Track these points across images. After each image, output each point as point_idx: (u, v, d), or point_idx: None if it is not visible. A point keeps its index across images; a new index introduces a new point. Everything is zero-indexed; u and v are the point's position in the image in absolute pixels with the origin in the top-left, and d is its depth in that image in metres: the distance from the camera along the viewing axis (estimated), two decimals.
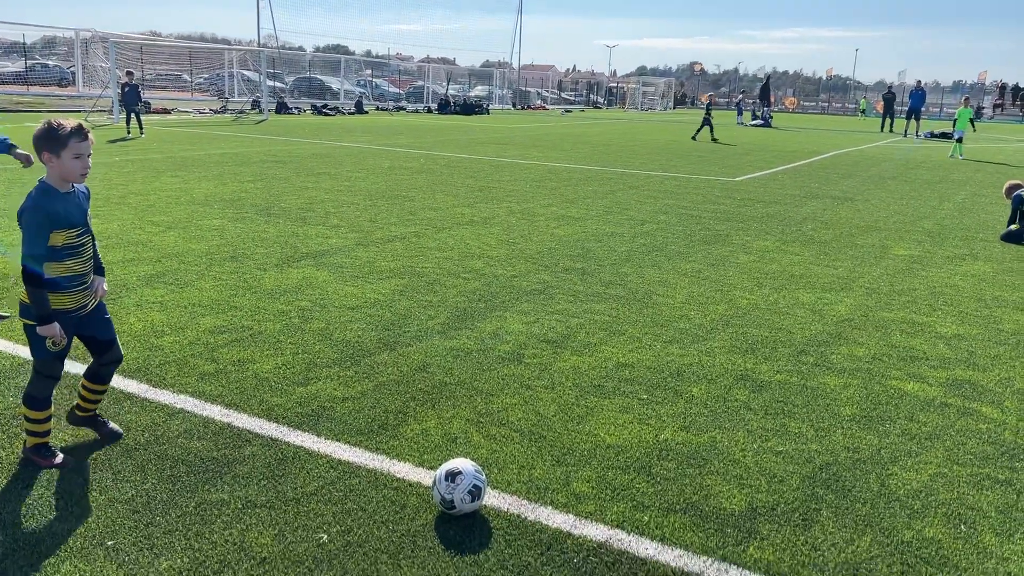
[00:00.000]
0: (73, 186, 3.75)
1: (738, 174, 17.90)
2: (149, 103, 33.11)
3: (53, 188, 3.65)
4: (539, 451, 4.23)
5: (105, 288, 4.03)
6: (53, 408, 3.98)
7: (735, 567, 3.28)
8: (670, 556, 3.35)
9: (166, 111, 34.41)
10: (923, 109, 39.28)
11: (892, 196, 15.00)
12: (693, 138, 29.61)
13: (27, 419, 3.92)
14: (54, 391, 3.94)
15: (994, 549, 3.43)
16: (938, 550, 3.42)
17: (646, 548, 3.40)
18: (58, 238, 3.66)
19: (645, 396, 4.99)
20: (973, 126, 26.10)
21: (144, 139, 20.98)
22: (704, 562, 3.30)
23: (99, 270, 4.00)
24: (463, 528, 3.50)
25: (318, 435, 4.31)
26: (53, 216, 3.62)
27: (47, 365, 3.83)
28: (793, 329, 6.45)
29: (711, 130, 29.78)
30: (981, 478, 4.04)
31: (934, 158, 24.38)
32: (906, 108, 38.60)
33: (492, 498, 3.74)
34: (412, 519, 3.56)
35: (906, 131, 37.51)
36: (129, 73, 24.07)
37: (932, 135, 36.21)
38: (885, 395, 5.11)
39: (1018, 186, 11.16)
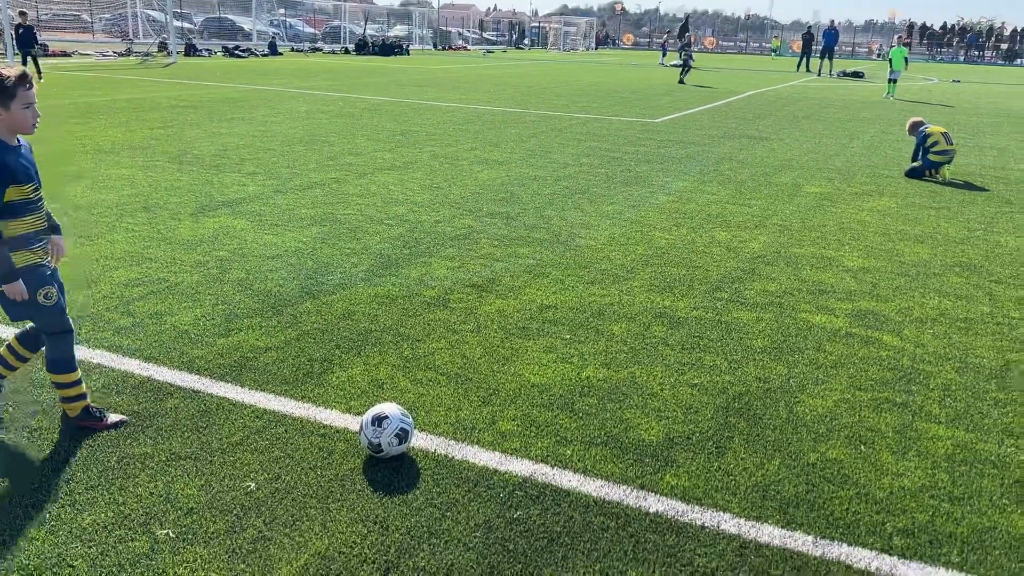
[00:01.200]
0: (18, 139, 3.55)
1: (658, 115, 18.08)
2: (46, 45, 31.26)
3: (3, 142, 3.44)
4: (465, 393, 4.30)
5: (64, 248, 3.84)
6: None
7: (652, 494, 3.44)
8: (592, 487, 3.49)
9: (65, 54, 32.54)
10: (836, 48, 40.13)
11: (805, 135, 15.41)
12: (681, 81, 29.24)
13: (59, 386, 3.77)
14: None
15: (890, 467, 3.68)
16: (840, 470, 3.65)
17: (569, 480, 3.53)
18: (15, 193, 3.46)
19: (568, 336, 5.10)
20: (906, 64, 26.59)
21: (43, 84, 19.87)
22: (624, 491, 3.46)
23: (55, 228, 3.79)
24: (392, 470, 3.57)
25: (242, 385, 4.29)
26: (11, 170, 3.41)
27: (53, 319, 3.66)
28: (709, 267, 6.65)
29: (685, 72, 29.59)
30: (880, 402, 4.31)
31: (846, 97, 25.05)
32: (821, 47, 39.39)
33: (420, 440, 3.81)
34: (340, 464, 3.61)
35: (820, 70, 38.35)
36: (23, 13, 22.65)
37: (844, 74, 37.12)
38: (795, 327, 5.35)
39: (920, 123, 11.58)
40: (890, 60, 25.23)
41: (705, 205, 9.00)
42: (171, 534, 3.10)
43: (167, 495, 3.33)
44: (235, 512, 3.24)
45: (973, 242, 7.66)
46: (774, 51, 66.35)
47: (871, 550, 3.10)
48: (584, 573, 2.95)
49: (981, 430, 4.02)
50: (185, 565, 2.94)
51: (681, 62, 30.13)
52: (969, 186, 10.58)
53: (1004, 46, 61.75)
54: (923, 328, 5.38)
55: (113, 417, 3.86)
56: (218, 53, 38.45)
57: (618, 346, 4.97)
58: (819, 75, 37.43)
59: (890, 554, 3.08)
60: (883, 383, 4.54)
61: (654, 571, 2.97)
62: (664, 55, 45.26)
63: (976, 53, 59.03)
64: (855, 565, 3.02)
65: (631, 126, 15.93)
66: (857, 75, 36.10)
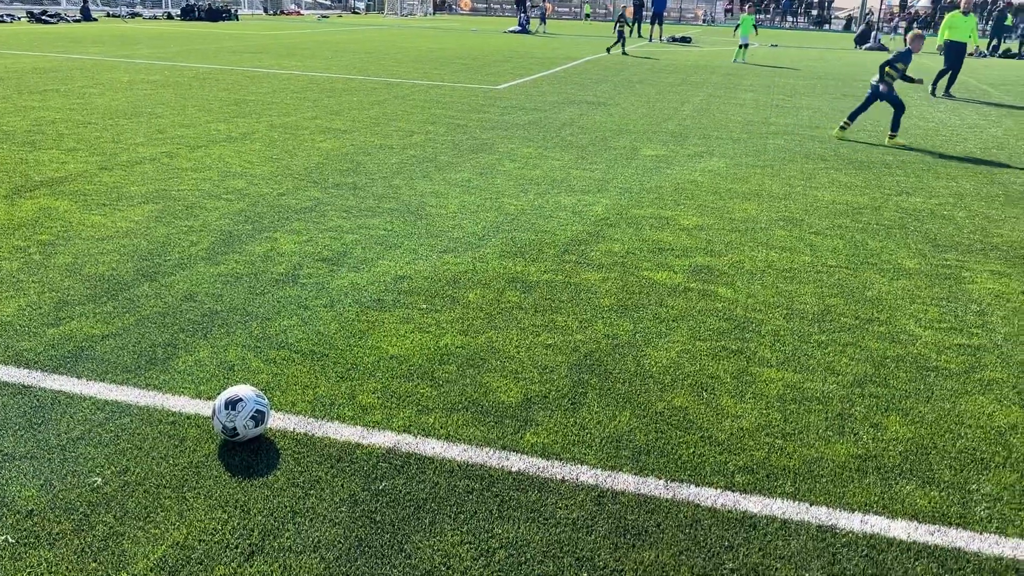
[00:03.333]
0: None
1: (500, 81, 18.20)
2: None
3: None
4: (322, 369, 4.24)
5: None
6: None
7: (514, 454, 3.55)
8: (455, 451, 3.55)
9: None
10: (664, 14, 41.66)
11: (640, 100, 15.99)
12: (624, 52, 28.95)
13: None
14: None
15: (730, 410, 3.97)
16: (685, 416, 3.89)
17: (432, 447, 3.58)
18: None
19: (424, 306, 5.12)
20: (756, 31, 27.80)
21: None
22: (486, 453, 3.54)
23: None
24: (250, 453, 3.48)
25: (78, 377, 4.03)
26: None
27: None
28: (557, 231, 6.83)
29: (623, 44, 29.40)
30: (718, 350, 4.62)
31: (676, 62, 26.14)
32: (651, 13, 40.77)
33: (277, 420, 3.73)
34: (194, 451, 3.48)
35: (651, 36, 39.75)
36: None
37: (674, 39, 38.65)
38: (638, 285, 5.61)
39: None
40: (736, 27, 26.73)
41: (550, 171, 9.20)
42: (10, 540, 2.90)
43: (2, 499, 3.10)
44: (81, 510, 3.07)
45: (794, 197, 8.27)
46: (587, 16, 67.13)
47: (716, 488, 3.34)
48: (452, 536, 3.02)
49: (807, 370, 4.39)
50: (29, 571, 2.76)
51: (519, 27, 30.12)
52: (789, 145, 11.37)
53: (814, 12, 66.32)
54: (753, 280, 5.78)
55: None
56: (22, 19, 35.12)
57: (474, 313, 5.04)
58: (650, 40, 38.79)
59: (733, 491, 3.33)
60: (720, 333, 4.86)
61: (519, 527, 3.08)
62: (525, 21, 44.87)
63: (791, 19, 63.04)
64: (703, 503, 3.25)
65: (474, 93, 15.96)
66: (685, 40, 37.68)
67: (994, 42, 35.42)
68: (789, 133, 12.39)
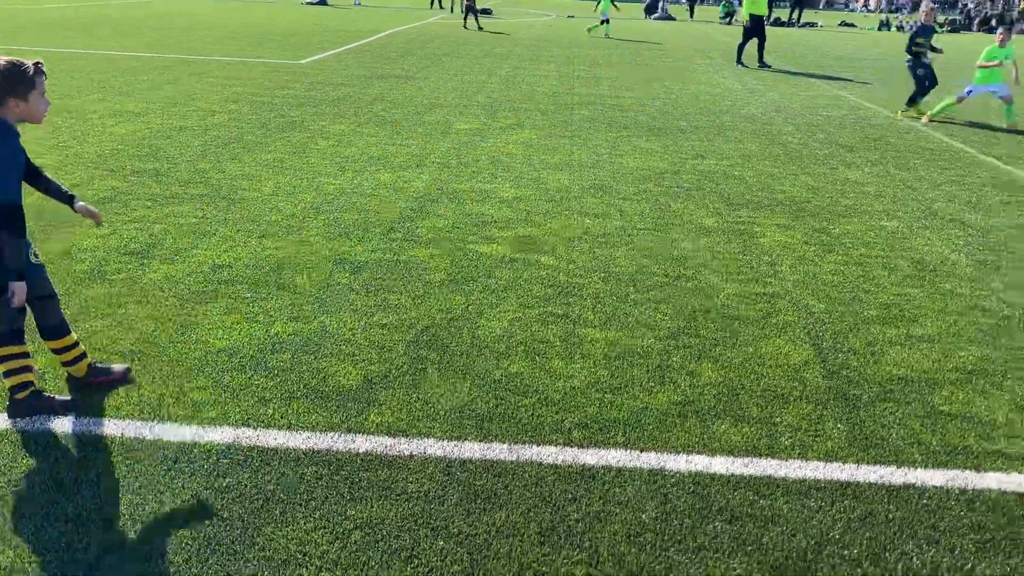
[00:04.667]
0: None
1: (302, 56, 17.64)
2: None
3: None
4: (144, 369, 4.04)
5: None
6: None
7: (360, 435, 3.57)
8: (299, 440, 3.52)
9: None
10: None
11: (448, 73, 16.07)
12: (479, 28, 27.73)
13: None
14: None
15: (562, 371, 4.19)
16: (522, 381, 4.07)
17: (275, 438, 3.52)
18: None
19: (249, 295, 4.97)
20: (616, 7, 28.22)
21: None
22: (331, 438, 3.54)
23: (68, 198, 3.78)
24: (77, 464, 3.28)
25: None
26: (21, 156, 3.33)
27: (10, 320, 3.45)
28: (380, 209, 6.81)
29: (475, 18, 28.17)
30: (546, 316, 4.83)
31: (479, 34, 26.41)
32: None
33: (100, 426, 3.53)
34: (11, 468, 3.23)
35: (452, 7, 39.83)
36: None
37: (472, 10, 38.89)
38: (466, 259, 5.73)
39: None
40: (598, 2, 27.47)
41: (365, 148, 9.10)
42: None
43: None
44: None
45: (602, 166, 8.69)
46: None
47: (556, 446, 3.54)
48: (305, 523, 3.01)
49: (627, 328, 4.70)
50: None
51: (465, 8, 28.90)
52: (593, 115, 11.89)
53: None
54: (572, 246, 6.07)
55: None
56: None
57: (304, 298, 4.95)
58: (452, 12, 38.87)
59: (571, 446, 3.54)
60: (546, 299, 5.08)
61: (372, 506, 3.12)
62: None
63: None
64: (545, 461, 3.43)
65: (277, 68, 15.38)
66: (486, 12, 38.09)
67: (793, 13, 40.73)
68: (592, 103, 12.94)
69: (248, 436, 3.53)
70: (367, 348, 4.35)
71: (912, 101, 13.01)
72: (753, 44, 19.07)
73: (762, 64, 18.82)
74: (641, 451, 3.53)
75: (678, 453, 3.52)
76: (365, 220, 6.50)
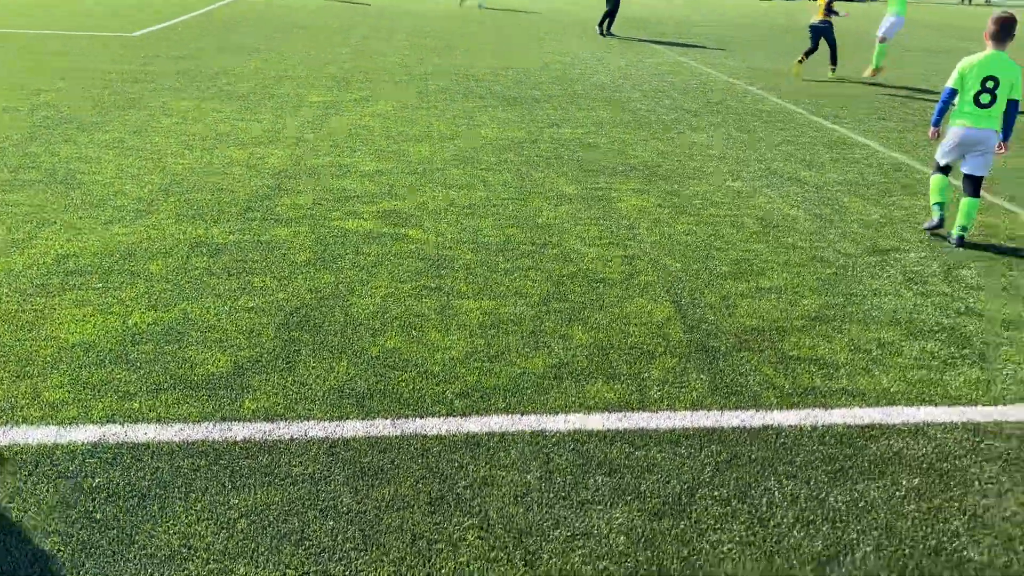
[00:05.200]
0: None
1: (134, 28, 16.55)
2: None
3: None
4: None
5: None
6: None
7: (236, 423, 3.48)
8: (171, 433, 3.39)
9: None
10: None
11: (296, 45, 15.53)
12: None
13: None
14: None
15: (439, 343, 4.22)
16: (400, 356, 4.07)
17: (144, 433, 3.38)
18: None
19: (100, 285, 4.69)
20: None
21: None
22: (206, 428, 3.43)
23: None
24: None
25: None
26: None
27: None
28: (234, 188, 6.56)
29: None
30: (420, 289, 4.84)
31: (322, 5, 25.60)
32: None
33: None
34: None
35: None
36: None
37: None
38: (331, 236, 5.63)
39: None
40: None
41: (213, 124, 8.70)
42: None
43: None
44: None
45: (462, 136, 8.71)
46: None
47: (439, 417, 3.58)
48: (186, 517, 2.92)
49: (500, 297, 4.79)
50: None
51: None
52: (448, 85, 11.85)
53: None
54: (439, 219, 6.08)
55: None
56: None
57: (161, 285, 4.72)
58: None
59: (454, 416, 3.60)
60: (418, 272, 5.08)
61: (256, 493, 3.06)
62: None
63: None
64: (429, 433, 3.47)
65: (108, 42, 14.36)
66: None
67: None
68: (447, 74, 12.88)
69: (115, 433, 3.37)
70: (235, 333, 4.22)
71: (833, 60, 14.13)
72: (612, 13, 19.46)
73: (609, 33, 19.27)
74: (522, 415, 3.63)
75: (556, 414, 3.65)
76: (219, 200, 6.24)
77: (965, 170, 5.99)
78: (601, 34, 19.17)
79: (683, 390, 3.89)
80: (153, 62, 12.49)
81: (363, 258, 5.26)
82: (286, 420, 3.51)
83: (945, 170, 6.14)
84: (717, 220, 6.33)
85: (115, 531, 2.85)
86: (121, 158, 7.24)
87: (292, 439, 3.39)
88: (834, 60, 13.85)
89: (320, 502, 3.03)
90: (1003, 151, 5.96)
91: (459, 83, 12.03)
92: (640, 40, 18.57)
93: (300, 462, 3.25)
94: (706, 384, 3.95)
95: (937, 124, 6.12)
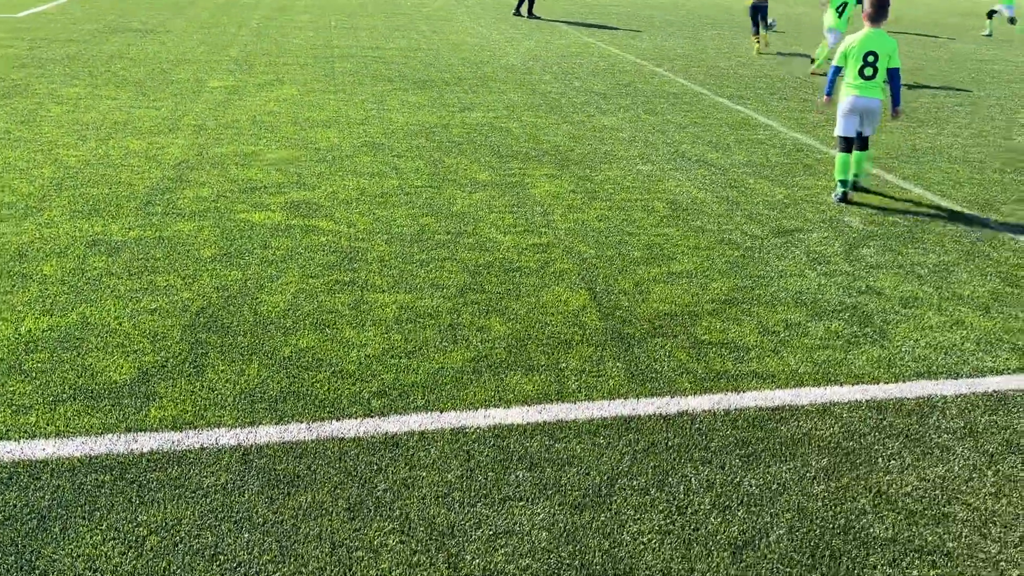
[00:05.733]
0: None
1: (18, 9, 15.58)
2: None
3: None
4: None
5: None
6: None
7: (142, 433, 3.33)
8: (72, 447, 3.22)
9: None
10: None
11: (193, 25, 14.92)
12: None
13: None
14: None
15: (354, 340, 4.14)
16: (314, 355, 3.97)
17: (42, 448, 3.20)
18: None
19: None
20: None
21: None
22: (110, 440, 3.27)
23: None
24: None
25: None
26: None
27: None
28: (133, 181, 6.26)
29: None
30: (332, 284, 4.73)
31: None
32: None
33: None
34: None
35: None
36: None
37: None
38: (237, 229, 5.44)
39: None
40: None
41: (107, 112, 8.28)
42: None
43: None
44: None
45: (371, 122, 8.54)
46: None
47: (356, 418, 3.51)
48: (91, 537, 2.78)
49: (416, 289, 4.72)
50: None
51: None
52: (356, 68, 11.59)
53: None
54: (351, 209, 5.95)
55: None
56: None
57: (55, 288, 4.47)
58: None
59: (372, 416, 3.53)
60: (330, 266, 4.97)
61: (165, 507, 2.94)
62: None
63: None
64: (346, 436, 3.40)
65: None
66: None
67: None
68: (353, 56, 12.60)
69: (10, 450, 3.18)
70: (138, 338, 4.03)
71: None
72: None
73: (532, 16, 19.05)
74: (441, 411, 3.59)
75: (476, 409, 3.63)
76: (117, 194, 5.95)
77: (864, 131, 6.74)
78: (520, 14, 19.00)
79: (600, 379, 3.93)
80: (41, 46, 11.80)
81: (272, 252, 5.10)
82: (195, 428, 3.38)
83: (848, 147, 6.70)
84: (629, 205, 6.40)
85: (13, 556, 2.69)
86: (7, 150, 6.81)
87: (202, 448, 3.27)
88: (757, 32, 14.66)
89: (234, 514, 2.94)
90: (897, 115, 6.86)
91: (367, 65, 11.79)
92: (549, 20, 18.56)
93: (212, 472, 3.14)
94: (622, 372, 3.99)
95: (829, 93, 6.97)
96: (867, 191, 6.98)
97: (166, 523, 2.87)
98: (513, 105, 9.75)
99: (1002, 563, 2.88)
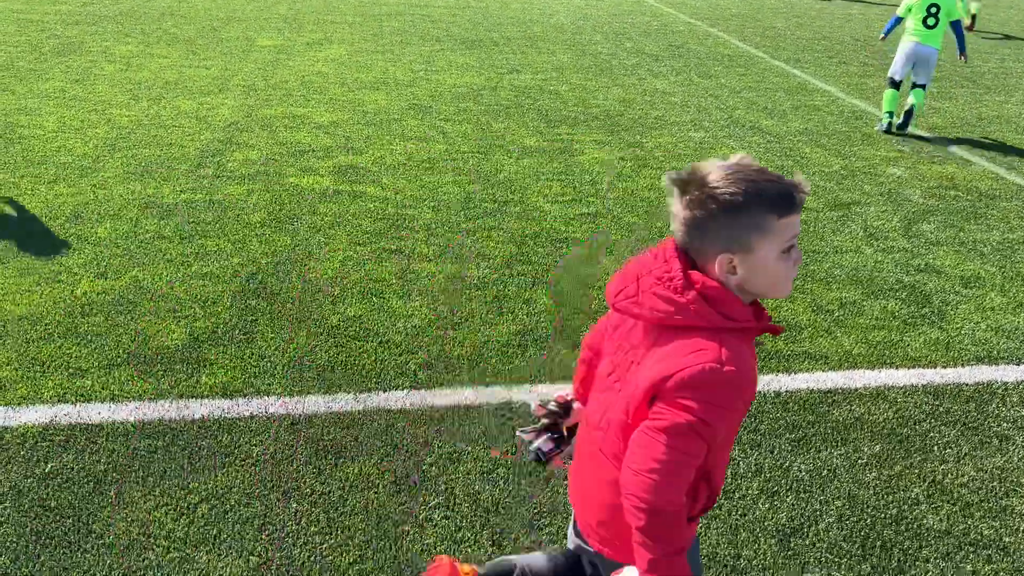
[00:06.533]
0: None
1: None
2: None
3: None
4: None
5: None
6: None
7: (194, 400, 3.38)
8: (126, 412, 3.29)
9: None
10: None
11: None
12: None
13: None
14: None
15: (401, 311, 4.13)
16: (361, 325, 3.99)
17: (98, 413, 3.27)
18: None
19: (45, 251, 4.49)
20: None
21: None
22: (162, 406, 3.33)
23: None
24: None
25: None
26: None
27: None
28: (184, 142, 6.31)
29: None
30: (379, 252, 4.73)
31: None
32: None
33: None
34: None
35: None
36: None
37: None
38: (286, 194, 5.46)
39: None
40: None
41: (159, 71, 8.33)
42: None
43: None
44: None
45: (419, 83, 8.47)
46: None
47: (402, 390, 3.52)
48: (145, 503, 2.85)
49: (460, 259, 4.70)
50: None
51: None
52: (403, 26, 11.48)
53: None
54: (397, 174, 5.93)
55: None
56: None
57: (109, 251, 4.54)
58: None
59: (418, 388, 3.54)
60: (377, 234, 4.96)
61: (216, 476, 2.99)
62: None
63: None
64: (393, 408, 3.41)
65: None
66: None
67: None
68: (401, 14, 12.49)
69: (67, 413, 3.26)
70: (189, 303, 4.08)
71: None
72: None
73: None
74: (487, 385, 3.58)
75: (521, 384, 3.61)
76: (169, 156, 6.00)
77: (915, 80, 7.61)
78: None
79: None
80: (93, 2, 11.89)
81: (320, 219, 5.11)
82: (245, 396, 3.43)
83: (896, 85, 7.60)
84: None
85: (71, 519, 2.77)
86: (63, 109, 6.91)
87: (252, 416, 3.31)
88: None
89: (283, 484, 2.98)
90: (963, 59, 7.83)
91: (415, 24, 11.67)
92: None
93: (261, 441, 3.18)
94: None
95: (885, 36, 8.10)
96: (918, 138, 7.56)
97: (216, 491, 2.92)
98: (562, 67, 9.58)
99: None
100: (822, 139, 7.32)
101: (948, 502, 3.04)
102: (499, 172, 6.07)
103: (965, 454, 3.31)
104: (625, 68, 9.70)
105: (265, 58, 9.16)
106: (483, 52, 10.12)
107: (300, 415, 3.33)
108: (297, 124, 6.90)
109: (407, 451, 3.17)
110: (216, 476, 2.99)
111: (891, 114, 7.53)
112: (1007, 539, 2.88)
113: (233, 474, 3.01)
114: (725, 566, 2.72)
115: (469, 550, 2.73)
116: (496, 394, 3.53)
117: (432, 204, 5.43)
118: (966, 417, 3.54)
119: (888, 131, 7.52)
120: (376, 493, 2.96)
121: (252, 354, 3.71)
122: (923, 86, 7.56)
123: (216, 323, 3.92)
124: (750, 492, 3.05)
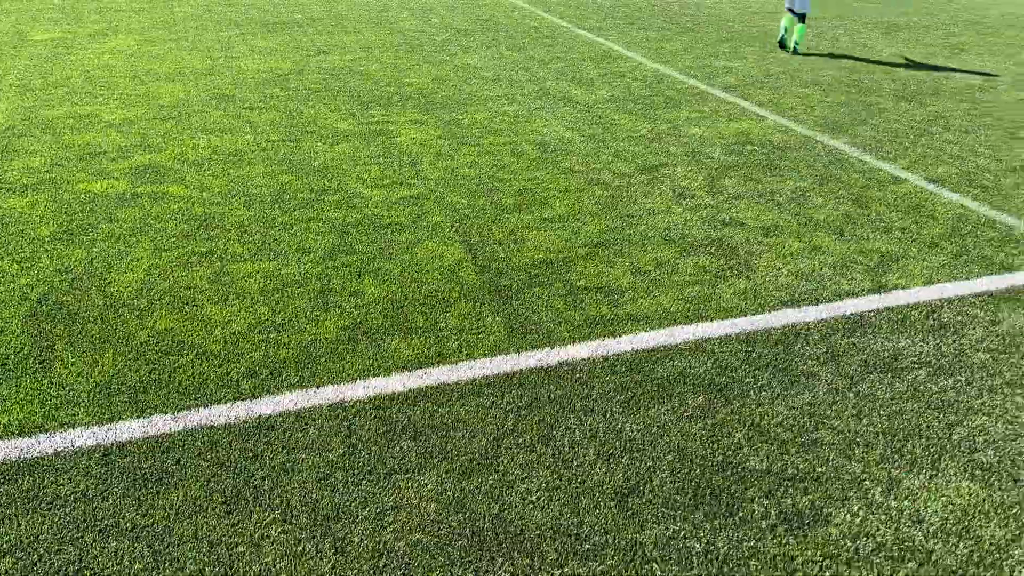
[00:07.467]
0: None
1: None
2: None
3: None
4: None
5: None
6: None
7: None
8: None
9: None
10: None
11: None
12: None
13: None
14: None
15: (217, 317, 3.90)
16: (174, 338, 3.73)
17: None
18: None
19: None
20: None
21: None
22: None
23: None
24: None
25: None
26: None
27: None
28: None
29: None
30: (188, 256, 4.44)
31: None
32: None
33: None
34: None
35: None
36: None
37: None
38: (77, 203, 5.01)
39: None
40: None
41: None
42: None
43: None
44: None
45: (219, 71, 8.01)
46: None
47: (225, 403, 3.33)
48: None
49: (280, 256, 4.50)
50: None
51: None
52: (197, 12, 10.80)
53: None
54: (202, 171, 5.58)
55: None
56: None
57: None
58: None
59: (242, 399, 3.36)
60: (184, 237, 4.65)
61: (19, 523, 2.71)
62: None
63: None
64: (216, 423, 3.22)
65: None
66: None
67: None
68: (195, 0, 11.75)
69: None
70: None
71: None
72: None
73: None
74: (318, 387, 3.46)
75: (354, 380, 3.51)
76: None
77: (795, 8, 9.50)
78: None
79: (480, 336, 3.88)
80: None
81: (118, 226, 4.73)
82: (46, 432, 3.12)
83: (791, 10, 9.59)
84: (498, 149, 6.30)
85: None
86: None
87: (56, 453, 3.02)
88: None
89: (99, 522, 2.74)
90: None
91: (210, 8, 11.02)
92: None
93: (69, 479, 2.91)
94: (502, 326, 3.95)
95: None
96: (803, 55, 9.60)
97: (21, 541, 2.65)
98: (371, 46, 9.37)
99: (866, 482, 3.06)
100: (628, 104, 7.59)
101: (767, 443, 3.25)
102: (313, 160, 5.86)
103: (778, 395, 3.54)
104: (435, 44, 9.61)
105: (41, 53, 8.35)
106: (286, 34, 9.71)
107: (112, 444, 3.08)
108: (84, 124, 6.34)
109: (235, 468, 3.00)
110: (19, 525, 2.71)
111: (786, 29, 9.79)
112: (819, 469, 3.11)
113: (39, 520, 2.73)
114: (569, 535, 2.77)
115: (311, 563, 2.63)
116: (327, 395, 3.41)
117: (243, 199, 5.16)
118: (776, 359, 3.79)
119: (782, 45, 9.81)
120: (205, 517, 2.78)
121: (51, 384, 3.38)
122: (802, 17, 9.45)
123: (5, 353, 3.54)
124: (587, 458, 3.12)
